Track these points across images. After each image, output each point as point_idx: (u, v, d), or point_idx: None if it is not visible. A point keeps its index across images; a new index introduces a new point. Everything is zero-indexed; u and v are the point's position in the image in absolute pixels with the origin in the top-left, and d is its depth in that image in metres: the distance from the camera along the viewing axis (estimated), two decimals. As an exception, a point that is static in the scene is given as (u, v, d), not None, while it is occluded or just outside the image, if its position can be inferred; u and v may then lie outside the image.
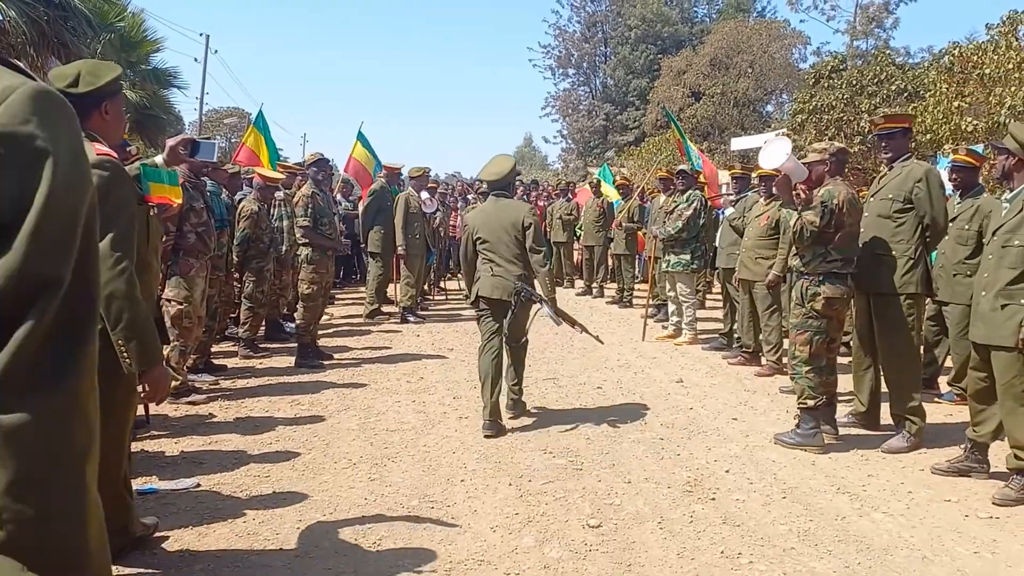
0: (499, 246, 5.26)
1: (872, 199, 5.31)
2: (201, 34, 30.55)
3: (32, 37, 12.23)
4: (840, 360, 5.30)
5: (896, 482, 4.38)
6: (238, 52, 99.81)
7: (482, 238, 5.32)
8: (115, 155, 2.94)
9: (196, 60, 30.36)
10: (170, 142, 3.73)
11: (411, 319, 9.77)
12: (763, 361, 7.24)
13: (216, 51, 36.55)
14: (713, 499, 4.07)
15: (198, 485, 4.17)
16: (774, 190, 8.06)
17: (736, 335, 7.82)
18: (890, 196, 5.15)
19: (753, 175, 8.18)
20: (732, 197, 8.23)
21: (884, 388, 5.27)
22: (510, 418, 5.45)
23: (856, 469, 4.60)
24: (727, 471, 4.50)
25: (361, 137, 11.29)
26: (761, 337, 7.18)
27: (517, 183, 13.03)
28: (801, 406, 4.96)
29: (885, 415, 5.29)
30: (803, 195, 4.94)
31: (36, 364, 1.05)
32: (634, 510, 3.91)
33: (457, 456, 4.75)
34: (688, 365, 7.47)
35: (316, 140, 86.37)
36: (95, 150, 2.81)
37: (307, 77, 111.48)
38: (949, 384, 6.24)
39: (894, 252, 5.08)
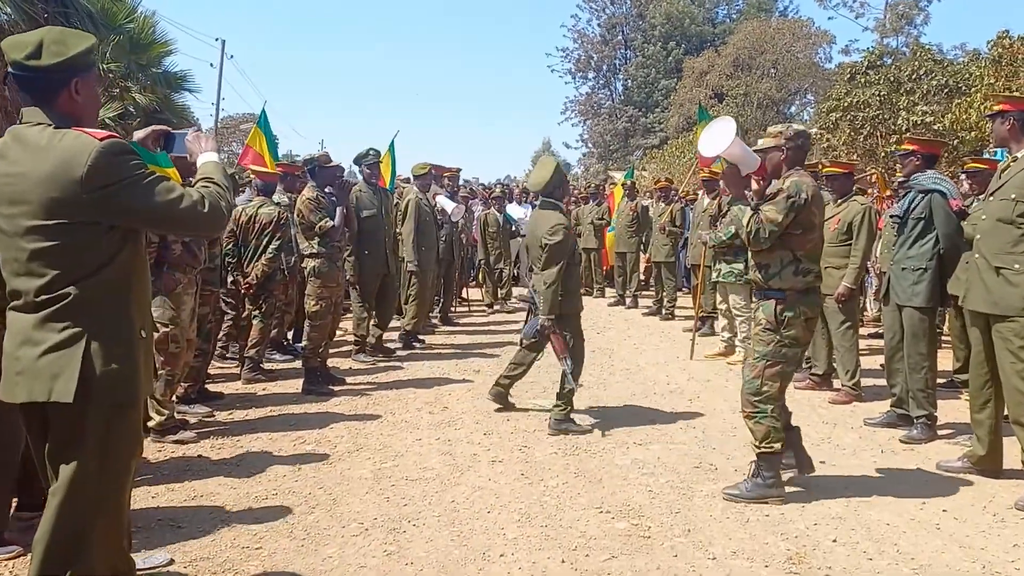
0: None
1: (992, 199, 4.38)
2: (217, 39, 29.91)
3: (29, 36, 11.61)
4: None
5: (1052, 555, 3.45)
6: (255, 57, 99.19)
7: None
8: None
9: (212, 65, 29.78)
10: (139, 135, 2.74)
11: (416, 345, 8.55)
12: (837, 386, 6.29)
13: (232, 56, 35.96)
14: (828, 585, 3.16)
15: (171, 562, 3.31)
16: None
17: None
18: (1012, 196, 4.21)
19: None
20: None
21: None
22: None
23: (993, 535, 3.67)
24: (834, 540, 3.57)
25: (392, 148, 10.33)
26: (835, 358, 6.24)
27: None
28: (766, 450, 4.00)
29: (1010, 459, 4.36)
30: (757, 187, 4.12)
31: None
32: (730, 604, 3.01)
33: (493, 517, 3.86)
34: (748, 390, 6.51)
35: (334, 145, 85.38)
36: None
37: (323, 82, 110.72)
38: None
39: (1017, 265, 4.15)
